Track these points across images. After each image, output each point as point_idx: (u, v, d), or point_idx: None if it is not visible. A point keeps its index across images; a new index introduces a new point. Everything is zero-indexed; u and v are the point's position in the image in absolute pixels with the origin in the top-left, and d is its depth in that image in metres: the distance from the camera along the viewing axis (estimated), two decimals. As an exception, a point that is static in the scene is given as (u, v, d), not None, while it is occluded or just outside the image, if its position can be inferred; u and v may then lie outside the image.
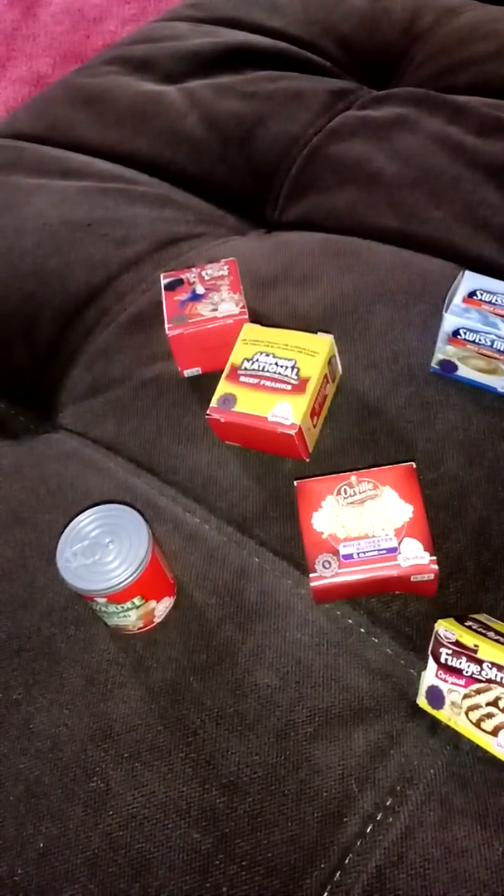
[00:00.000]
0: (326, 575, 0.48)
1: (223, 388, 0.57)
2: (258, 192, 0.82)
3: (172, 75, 0.94)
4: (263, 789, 0.46)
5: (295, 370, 0.56)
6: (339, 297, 0.65)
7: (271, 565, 0.54)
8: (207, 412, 0.56)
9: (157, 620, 0.51)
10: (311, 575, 0.48)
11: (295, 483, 0.52)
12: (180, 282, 0.64)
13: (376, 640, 0.51)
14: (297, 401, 0.54)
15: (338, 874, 0.44)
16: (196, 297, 0.62)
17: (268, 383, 0.56)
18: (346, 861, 0.44)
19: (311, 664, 0.50)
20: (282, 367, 0.56)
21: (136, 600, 0.48)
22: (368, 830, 0.45)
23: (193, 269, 0.64)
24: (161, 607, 0.50)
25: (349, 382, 0.60)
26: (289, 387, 0.55)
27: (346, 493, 0.50)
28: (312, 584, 0.48)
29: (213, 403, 0.56)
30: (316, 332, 0.58)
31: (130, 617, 0.49)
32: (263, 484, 0.57)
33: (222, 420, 0.56)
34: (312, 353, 0.56)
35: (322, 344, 0.57)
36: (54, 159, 0.87)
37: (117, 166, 0.86)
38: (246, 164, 0.83)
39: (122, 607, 0.48)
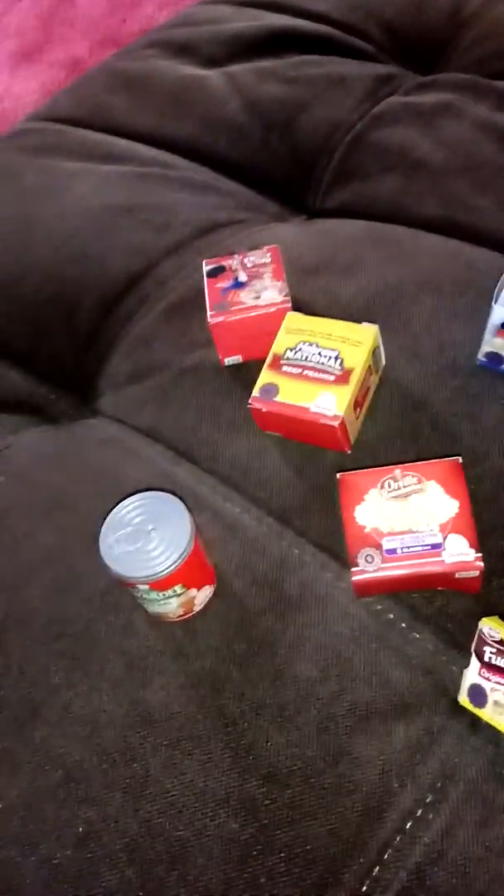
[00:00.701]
0: (369, 569, 0.47)
1: (265, 377, 0.56)
2: (300, 179, 0.81)
3: (214, 59, 0.93)
4: (303, 781, 0.46)
5: (338, 360, 0.55)
6: (383, 287, 0.64)
7: (311, 557, 0.54)
8: (249, 401, 0.56)
9: (196, 609, 0.51)
10: (353, 569, 0.48)
11: (337, 475, 0.51)
12: (222, 269, 0.63)
13: (417, 636, 0.50)
14: (340, 392, 0.54)
15: (377, 869, 0.44)
16: (238, 285, 0.61)
17: (311, 373, 0.55)
18: (386, 856, 0.44)
19: (351, 657, 0.49)
20: (325, 357, 0.55)
21: (178, 588, 0.48)
22: (408, 827, 0.45)
23: (236, 256, 0.64)
24: (201, 596, 0.50)
25: (393, 374, 0.59)
26: (332, 377, 0.54)
27: (390, 487, 0.49)
28: (354, 578, 0.48)
29: (255, 393, 0.56)
30: (360, 322, 0.57)
31: (171, 604, 0.49)
32: (304, 475, 0.57)
33: (264, 410, 0.55)
34: (356, 343, 0.55)
35: (366, 334, 0.56)
36: (95, 143, 0.87)
37: (158, 151, 0.85)
38: (288, 150, 0.82)
39: (164, 595, 0.48)
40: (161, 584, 0.47)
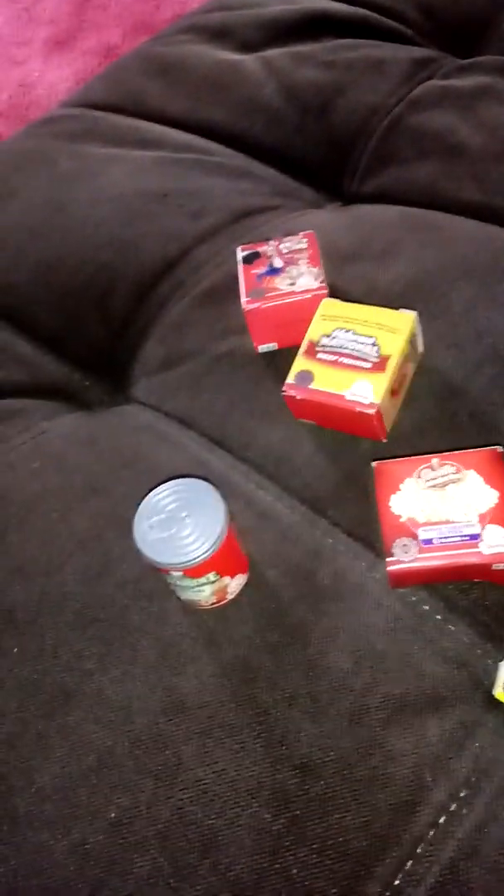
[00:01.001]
0: (405, 560, 0.47)
1: (300, 364, 0.56)
2: (336, 164, 0.80)
3: (249, 44, 0.92)
4: (336, 773, 0.45)
5: (375, 348, 0.54)
6: (421, 273, 0.63)
7: (345, 547, 0.53)
8: (283, 388, 0.55)
9: (229, 597, 0.51)
10: (388, 559, 0.47)
11: (373, 464, 0.50)
12: (257, 255, 0.63)
13: (452, 628, 0.49)
14: (376, 379, 0.53)
15: (409, 863, 0.43)
16: (274, 271, 0.61)
17: (347, 360, 0.54)
18: (419, 850, 0.44)
19: (385, 649, 0.49)
20: (361, 344, 0.54)
21: (212, 576, 0.47)
22: (441, 821, 0.44)
23: (271, 242, 0.63)
24: (234, 584, 0.50)
25: (430, 361, 0.58)
26: (368, 365, 0.54)
27: (427, 476, 0.49)
28: (390, 568, 0.47)
29: (290, 380, 0.55)
30: (397, 309, 0.56)
31: (204, 592, 0.49)
32: (338, 463, 0.56)
33: (298, 397, 0.55)
34: (394, 330, 0.54)
35: (404, 321, 0.55)
36: (129, 129, 0.86)
37: (193, 136, 0.84)
38: (324, 135, 0.81)
39: (197, 582, 0.48)
40: (195, 572, 0.47)
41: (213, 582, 0.48)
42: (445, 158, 0.73)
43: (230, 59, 0.90)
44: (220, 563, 0.47)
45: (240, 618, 0.51)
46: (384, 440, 0.55)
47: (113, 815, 0.47)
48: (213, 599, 0.50)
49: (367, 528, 0.53)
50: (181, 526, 0.47)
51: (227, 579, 0.49)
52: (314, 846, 0.44)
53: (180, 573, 0.47)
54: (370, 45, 0.87)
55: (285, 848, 0.44)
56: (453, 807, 0.44)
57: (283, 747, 0.46)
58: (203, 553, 0.46)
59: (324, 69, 0.85)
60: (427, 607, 0.50)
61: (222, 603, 0.51)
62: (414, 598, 0.50)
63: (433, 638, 0.49)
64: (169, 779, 0.47)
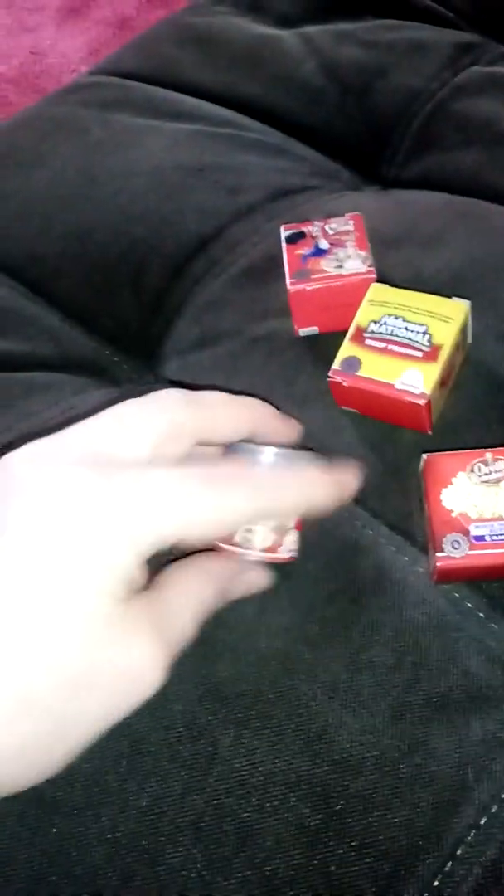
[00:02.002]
0: (455, 555, 0.46)
1: (347, 350, 0.54)
2: (376, 147, 0.78)
3: (288, 19, 0.90)
4: (377, 770, 0.44)
5: (426, 336, 0.53)
6: (468, 262, 0.62)
7: (387, 539, 0.52)
8: (329, 374, 0.54)
9: (281, 553, 0.42)
10: (438, 554, 0.46)
11: (424, 456, 0.49)
12: (302, 235, 0.61)
13: (496, 627, 0.49)
14: (427, 369, 0.52)
15: (450, 864, 0.43)
16: (319, 252, 0.59)
17: (396, 348, 0.53)
18: (459, 852, 0.43)
19: (428, 646, 0.48)
20: (412, 331, 0.53)
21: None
22: (483, 822, 0.43)
23: (316, 223, 0.61)
24: (291, 538, 0.43)
25: (477, 353, 0.57)
26: (419, 353, 0.52)
27: (480, 471, 0.47)
28: (439, 563, 0.46)
29: (336, 366, 0.54)
30: (447, 297, 0.55)
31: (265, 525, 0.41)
32: (381, 454, 0.55)
33: (345, 384, 0.53)
34: (446, 318, 0.53)
35: (457, 310, 0.53)
36: (163, 100, 0.84)
37: (229, 111, 0.82)
38: (364, 117, 0.79)
39: None
40: None
41: None
42: (491, 147, 0.72)
43: (268, 33, 0.88)
44: None
45: (278, 608, 0.50)
46: (429, 432, 0.54)
47: (144, 802, 0.45)
48: (268, 543, 0.41)
49: (410, 522, 0.52)
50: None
51: (291, 522, 0.42)
52: (353, 843, 0.43)
53: None
54: (412, 27, 0.86)
55: (324, 844, 0.43)
56: (495, 808, 0.44)
57: (323, 741, 0.45)
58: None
59: (365, 49, 0.83)
60: (470, 605, 0.49)
61: (272, 556, 0.42)
62: (457, 595, 0.49)
63: (477, 636, 0.48)
64: (204, 769, 0.46)
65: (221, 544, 0.40)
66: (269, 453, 0.41)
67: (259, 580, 0.43)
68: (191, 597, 0.38)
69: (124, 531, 0.33)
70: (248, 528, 0.41)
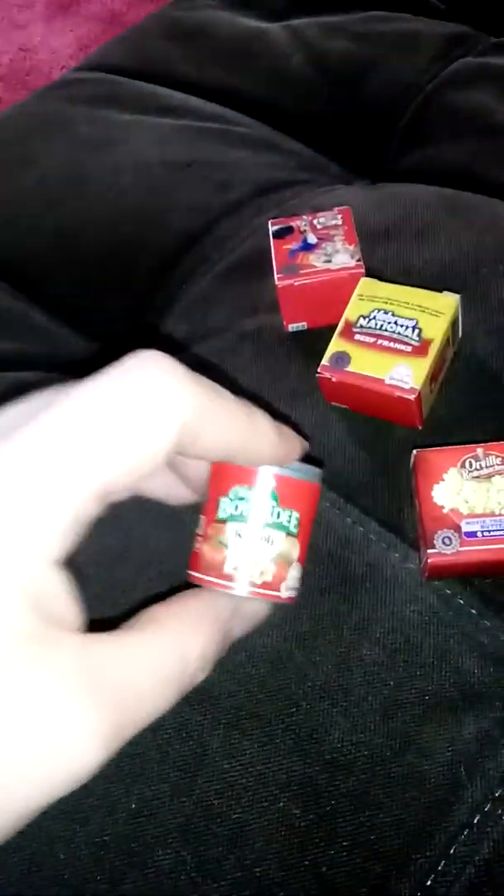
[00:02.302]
0: (447, 552, 0.45)
1: (336, 345, 0.53)
2: (366, 140, 0.77)
3: (276, 12, 0.89)
4: (368, 769, 0.44)
5: (416, 331, 0.52)
6: (459, 255, 0.61)
7: (377, 536, 0.51)
8: (318, 370, 0.53)
9: (283, 591, 0.32)
10: (429, 550, 0.45)
11: (414, 452, 0.49)
12: (290, 229, 0.60)
13: (488, 624, 0.48)
14: (417, 364, 0.51)
15: (442, 863, 0.42)
16: (308, 247, 0.59)
17: (386, 343, 0.52)
18: (452, 851, 0.42)
19: (420, 643, 0.47)
20: (402, 326, 0.52)
21: (295, 518, 0.31)
22: (476, 821, 0.43)
23: (304, 217, 0.61)
24: (294, 572, 0.33)
25: (468, 347, 0.56)
26: (409, 348, 0.52)
27: (470, 467, 0.47)
28: (431, 559, 0.45)
29: (325, 361, 0.53)
30: (437, 291, 0.54)
31: (272, 546, 0.31)
32: (371, 450, 0.54)
33: (334, 380, 0.53)
34: (436, 313, 0.53)
35: (447, 304, 0.53)
36: (151, 95, 0.84)
37: (217, 106, 0.82)
38: (354, 110, 0.78)
39: (281, 513, 0.31)
40: (289, 493, 0.31)
41: (294, 534, 0.32)
42: (482, 139, 0.71)
43: (256, 26, 0.87)
44: (308, 507, 0.32)
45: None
46: (419, 427, 0.54)
47: (133, 805, 0.45)
48: (268, 577, 0.31)
49: (401, 518, 0.51)
50: None
51: (295, 552, 0.32)
52: (345, 843, 0.43)
53: (272, 489, 0.31)
54: (402, 19, 0.85)
55: (315, 844, 0.43)
56: (488, 807, 0.43)
57: (314, 741, 0.45)
58: (315, 475, 0.32)
59: (354, 41, 0.82)
60: (462, 601, 0.49)
61: (271, 594, 0.32)
62: (449, 592, 0.49)
63: (469, 633, 0.47)
64: (193, 770, 0.45)
65: (207, 578, 0.31)
66: None
67: (260, 610, 0.32)
68: (176, 647, 0.27)
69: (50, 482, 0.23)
70: (239, 562, 0.31)
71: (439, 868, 0.42)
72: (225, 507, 0.30)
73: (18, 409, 0.27)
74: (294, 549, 0.33)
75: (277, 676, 0.47)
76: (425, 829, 0.43)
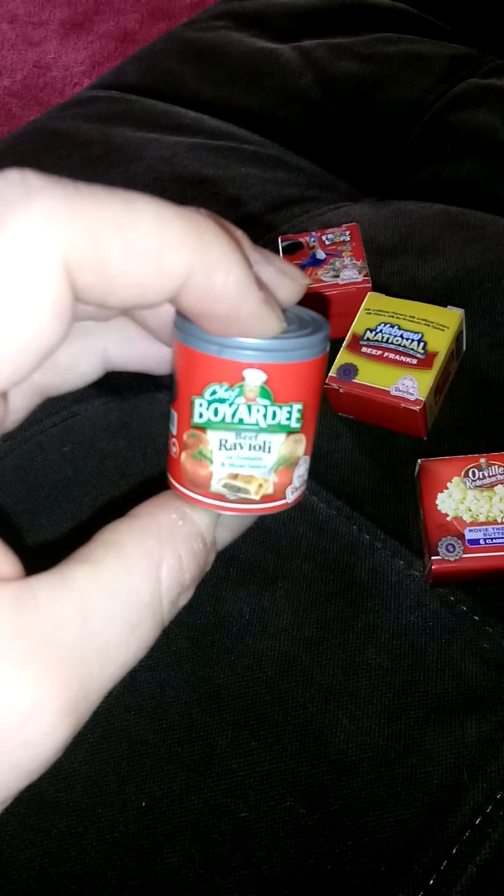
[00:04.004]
0: (450, 559, 0.46)
1: (343, 357, 0.55)
2: (373, 158, 0.79)
3: (286, 33, 0.92)
4: (373, 770, 0.45)
5: (422, 344, 0.54)
6: (463, 271, 0.63)
7: (382, 544, 0.53)
8: (326, 381, 0.55)
9: (288, 496, 0.25)
10: (433, 557, 0.47)
11: (418, 461, 0.50)
12: (299, 245, 0.62)
13: (490, 630, 0.49)
14: (422, 376, 0.52)
15: (444, 863, 0.43)
16: (316, 262, 0.60)
17: (392, 356, 0.54)
18: (454, 851, 0.43)
19: (424, 648, 0.48)
20: (407, 339, 0.54)
21: (298, 410, 0.24)
22: (477, 822, 0.44)
23: (313, 233, 0.62)
24: (301, 470, 0.26)
25: (472, 360, 0.58)
26: (414, 361, 0.53)
27: (474, 476, 0.48)
28: (434, 566, 0.47)
29: (333, 373, 0.55)
30: (442, 305, 0.56)
31: (270, 455, 0.24)
32: (377, 460, 0.56)
33: (341, 391, 0.54)
34: (441, 326, 0.54)
35: (451, 318, 0.54)
36: (163, 113, 0.86)
37: (227, 124, 0.84)
38: (362, 128, 0.80)
39: (276, 414, 0.24)
40: (287, 384, 0.23)
41: (295, 429, 0.24)
42: (488, 157, 0.73)
43: (267, 47, 0.89)
44: (313, 392, 0.24)
45: (275, 610, 0.51)
46: (424, 438, 0.55)
47: (143, 803, 0.46)
48: (270, 487, 0.24)
49: (406, 526, 0.53)
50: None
51: (300, 449, 0.25)
52: (350, 843, 0.44)
53: (260, 382, 0.23)
54: (409, 40, 0.87)
55: (320, 843, 0.44)
56: (489, 809, 0.44)
57: (320, 743, 0.46)
58: (320, 342, 0.24)
59: (362, 62, 0.84)
60: (465, 608, 0.50)
61: (276, 505, 0.25)
62: (452, 599, 0.50)
63: (472, 639, 0.49)
64: (201, 769, 0.46)
65: (193, 495, 0.24)
66: None
67: (208, 551, 0.24)
68: (146, 571, 0.20)
69: None
70: (235, 474, 0.24)
71: (441, 868, 0.43)
72: (201, 410, 0.23)
73: None
74: (299, 445, 0.25)
75: (284, 679, 0.48)
76: (428, 829, 0.44)
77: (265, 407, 0.23)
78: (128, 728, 0.48)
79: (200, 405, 0.23)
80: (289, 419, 0.24)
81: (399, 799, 0.44)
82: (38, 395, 0.24)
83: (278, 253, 0.62)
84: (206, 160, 0.78)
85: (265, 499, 0.24)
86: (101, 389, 0.68)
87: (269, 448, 0.24)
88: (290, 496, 0.25)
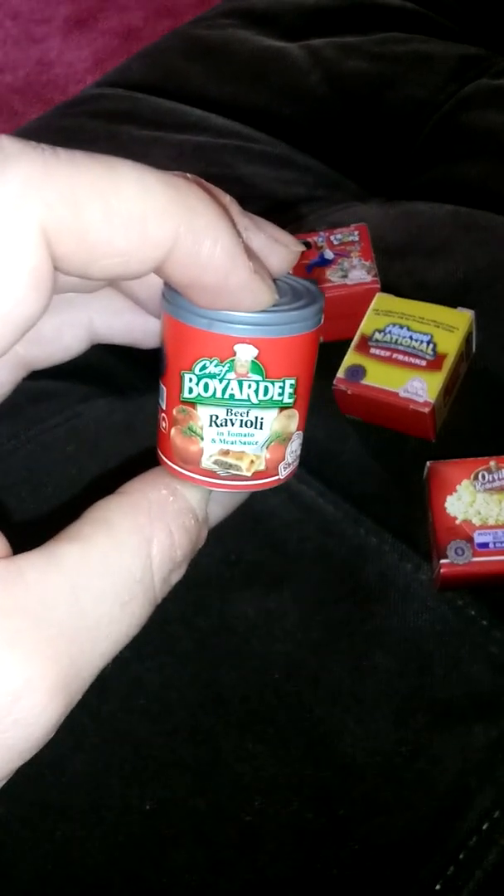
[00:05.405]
0: (459, 562, 0.46)
1: (352, 358, 0.55)
2: (382, 158, 0.79)
3: (294, 31, 0.91)
4: (379, 775, 0.45)
5: (431, 345, 0.53)
6: (473, 272, 0.62)
7: (390, 546, 0.52)
8: (334, 383, 0.54)
9: (281, 471, 0.25)
10: (442, 560, 0.46)
11: (427, 464, 0.50)
12: (307, 245, 0.61)
13: (499, 634, 0.49)
14: (431, 378, 0.52)
15: (451, 868, 0.43)
16: (325, 262, 0.60)
17: (401, 357, 0.53)
18: (461, 857, 0.43)
19: (432, 652, 0.48)
20: (417, 340, 0.54)
21: (291, 385, 0.23)
22: (485, 828, 0.44)
23: (321, 233, 0.62)
24: (294, 445, 0.25)
25: (481, 362, 0.57)
26: (423, 362, 0.53)
27: (483, 479, 0.48)
28: (443, 569, 0.46)
29: (341, 374, 0.54)
30: (451, 307, 0.56)
31: (262, 431, 0.24)
32: (385, 462, 0.55)
33: (349, 392, 0.54)
34: (450, 328, 0.54)
35: (461, 319, 0.54)
36: (170, 112, 0.85)
37: (234, 122, 0.83)
38: (371, 128, 0.80)
39: (269, 390, 0.23)
40: (279, 359, 0.22)
41: (288, 405, 0.24)
42: (496, 158, 0.72)
43: (274, 45, 0.89)
44: (307, 368, 0.24)
45: (281, 612, 0.50)
46: (433, 440, 0.55)
47: (148, 806, 0.46)
48: (262, 463, 0.24)
49: (414, 529, 0.52)
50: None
51: (293, 425, 0.24)
52: (356, 848, 0.43)
53: (251, 357, 0.22)
54: (419, 40, 0.86)
55: (326, 848, 0.43)
56: (496, 814, 0.44)
57: (326, 746, 0.46)
58: (314, 315, 0.23)
59: (371, 61, 0.84)
60: (473, 612, 0.49)
61: (268, 481, 0.25)
62: (460, 603, 0.50)
63: (480, 643, 0.48)
64: (206, 773, 0.46)
65: (183, 471, 0.24)
66: None
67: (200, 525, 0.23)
68: (136, 548, 0.20)
69: None
70: (226, 450, 0.24)
71: (448, 873, 0.43)
72: (191, 385, 0.23)
73: None
74: (292, 421, 0.25)
75: (290, 682, 0.48)
76: (435, 834, 0.43)
77: (257, 382, 0.22)
78: (132, 730, 0.48)
79: (190, 380, 0.22)
80: (281, 395, 0.23)
81: (406, 804, 0.44)
82: (22, 368, 0.24)
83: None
84: (213, 159, 0.78)
85: (257, 475, 0.24)
86: (106, 389, 0.68)
87: (261, 424, 0.23)
88: (283, 472, 0.25)
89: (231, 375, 0.22)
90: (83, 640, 0.18)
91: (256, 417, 0.23)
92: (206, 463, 0.23)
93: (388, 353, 0.54)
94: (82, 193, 0.17)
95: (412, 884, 0.42)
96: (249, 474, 0.24)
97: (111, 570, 0.19)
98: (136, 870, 0.44)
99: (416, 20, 0.90)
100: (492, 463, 0.48)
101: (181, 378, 0.23)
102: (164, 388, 0.24)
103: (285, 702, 0.47)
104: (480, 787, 0.44)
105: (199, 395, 0.23)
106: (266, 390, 0.23)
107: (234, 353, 0.22)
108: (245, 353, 0.22)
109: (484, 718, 0.46)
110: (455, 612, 0.49)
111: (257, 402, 0.23)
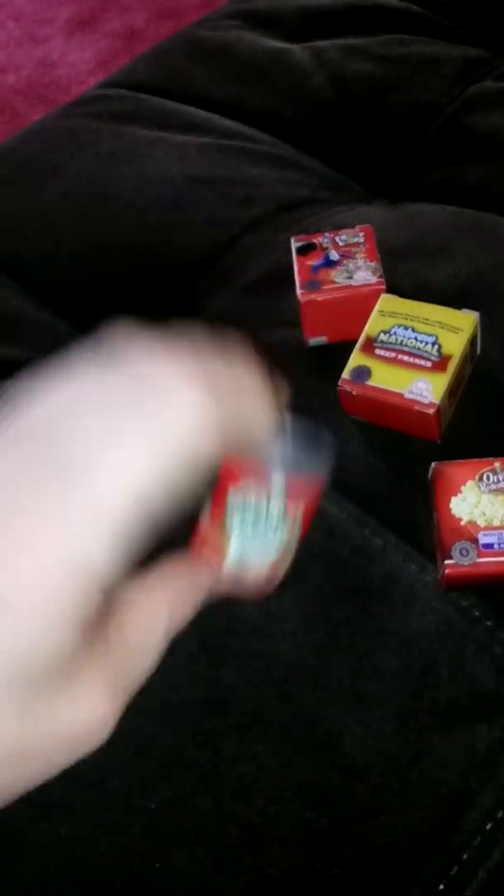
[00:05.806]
0: (464, 562, 0.46)
1: (357, 359, 0.55)
2: (386, 160, 0.79)
3: (298, 33, 0.91)
4: (382, 775, 0.45)
5: (436, 346, 0.53)
6: (476, 274, 0.62)
7: (394, 548, 0.52)
8: (339, 383, 0.55)
9: (274, 582, 0.33)
10: (446, 561, 0.46)
11: (432, 465, 0.50)
12: (313, 246, 0.62)
13: (503, 635, 0.49)
14: (436, 379, 0.52)
15: (454, 868, 0.43)
16: (330, 263, 0.60)
17: (406, 358, 0.53)
18: (464, 857, 0.43)
19: (435, 653, 0.48)
20: (422, 342, 0.54)
21: (300, 510, 0.32)
22: (488, 828, 0.44)
23: (326, 234, 0.62)
24: (289, 559, 0.34)
25: (485, 364, 0.58)
26: (429, 363, 0.53)
27: (488, 480, 0.48)
28: (448, 570, 0.46)
29: (346, 375, 0.54)
30: (456, 308, 0.56)
31: (273, 547, 0.32)
32: (389, 463, 0.55)
33: (354, 393, 0.54)
34: (455, 329, 0.54)
35: (466, 321, 0.54)
36: (174, 112, 0.85)
37: (238, 123, 0.83)
38: (375, 130, 0.80)
39: (284, 510, 0.31)
40: (300, 488, 0.31)
41: (296, 523, 0.32)
42: (500, 160, 0.73)
43: (278, 46, 0.89)
44: (313, 499, 0.32)
45: (284, 613, 0.50)
46: (438, 441, 0.55)
47: (151, 806, 0.46)
48: (266, 568, 0.32)
49: (418, 530, 0.52)
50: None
51: (296, 540, 0.32)
52: (358, 847, 0.43)
53: (279, 488, 0.30)
54: (423, 42, 0.87)
55: (328, 848, 0.43)
56: (500, 814, 0.44)
57: (328, 747, 0.46)
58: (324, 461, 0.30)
59: (375, 63, 0.84)
60: (478, 613, 0.49)
61: (266, 585, 0.33)
62: (465, 604, 0.50)
63: (484, 644, 0.48)
64: (209, 773, 0.46)
65: (208, 560, 0.31)
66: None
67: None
68: (157, 632, 0.28)
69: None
70: (244, 559, 0.31)
71: (451, 873, 0.43)
72: (233, 498, 0.30)
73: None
74: (295, 538, 0.32)
75: (293, 682, 0.48)
76: (438, 834, 0.43)
77: (279, 504, 0.30)
78: (135, 730, 0.47)
79: (233, 494, 0.30)
80: (295, 514, 0.31)
81: (408, 804, 0.44)
82: None
83: (291, 252, 0.62)
84: (217, 160, 0.78)
85: (261, 580, 0.32)
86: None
87: (277, 533, 0.31)
88: (280, 577, 0.33)
89: (262, 501, 0.31)
90: (131, 676, 0.27)
91: (274, 527, 0.31)
92: (231, 556, 0.31)
93: (393, 355, 0.54)
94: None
95: (414, 884, 0.42)
96: (255, 579, 0.32)
97: (147, 637, 0.28)
98: (139, 869, 0.44)
99: (420, 22, 0.90)
100: (496, 464, 0.48)
101: (227, 491, 0.31)
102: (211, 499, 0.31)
103: (288, 702, 0.47)
104: (483, 787, 0.44)
105: (237, 505, 0.31)
106: (284, 509, 0.31)
107: (269, 481, 0.30)
108: (277, 482, 0.30)
109: (487, 719, 0.46)
110: (460, 613, 0.49)
111: (276, 514, 0.31)
